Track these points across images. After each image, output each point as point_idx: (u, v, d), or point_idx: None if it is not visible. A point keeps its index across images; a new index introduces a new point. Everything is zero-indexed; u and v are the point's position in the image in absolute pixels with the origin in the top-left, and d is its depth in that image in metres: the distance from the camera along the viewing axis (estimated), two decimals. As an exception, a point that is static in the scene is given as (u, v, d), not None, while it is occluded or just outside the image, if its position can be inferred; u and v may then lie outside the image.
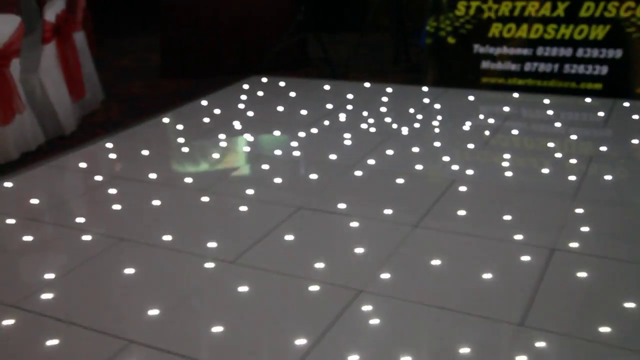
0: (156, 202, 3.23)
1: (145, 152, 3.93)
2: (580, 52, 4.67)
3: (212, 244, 2.79)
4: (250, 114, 4.63)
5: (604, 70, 4.62)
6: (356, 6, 7.41)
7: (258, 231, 2.88)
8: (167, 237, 2.86)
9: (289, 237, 2.83)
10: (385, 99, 4.86)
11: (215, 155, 3.89)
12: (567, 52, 4.71)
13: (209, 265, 2.63)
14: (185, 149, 3.98)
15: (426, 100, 4.75)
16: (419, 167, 3.55)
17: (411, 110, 4.53)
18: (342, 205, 3.11)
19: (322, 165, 3.66)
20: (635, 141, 3.81)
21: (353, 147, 3.91)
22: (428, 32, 5.12)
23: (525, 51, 4.84)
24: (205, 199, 3.25)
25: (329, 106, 4.71)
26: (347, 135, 4.09)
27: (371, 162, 3.65)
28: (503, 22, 4.86)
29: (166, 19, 5.75)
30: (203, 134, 4.25)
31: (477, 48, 4.98)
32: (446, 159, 3.65)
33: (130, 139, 4.20)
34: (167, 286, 2.50)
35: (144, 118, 4.61)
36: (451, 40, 5.05)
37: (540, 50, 4.79)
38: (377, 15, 6.20)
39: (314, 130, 4.23)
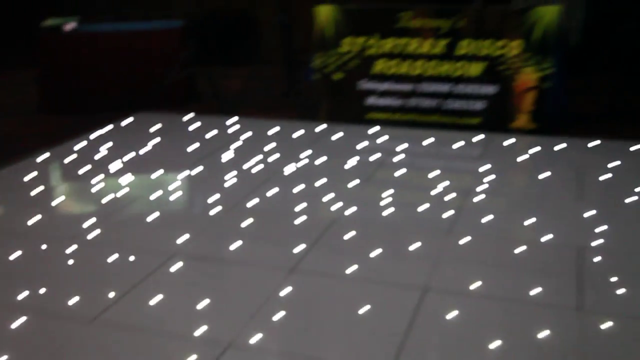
0: (15, 255, 3.00)
1: (10, 197, 3.68)
2: (459, 88, 4.83)
3: (74, 299, 2.60)
4: (132, 152, 4.46)
5: (481, 105, 4.80)
6: (247, 40, 7.40)
7: (125, 284, 2.72)
8: (22, 295, 2.65)
9: (159, 289, 2.69)
10: (273, 135, 4.82)
11: (89, 199, 3.69)
12: (446, 88, 4.86)
13: (69, 325, 2.45)
14: (55, 193, 3.76)
15: (313, 137, 4.75)
16: (300, 206, 3.51)
17: (297, 147, 4.51)
18: (218, 250, 3.01)
19: (201, 207, 3.55)
20: (509, 174, 3.95)
21: (235, 187, 3.82)
22: (315, 68, 5.15)
23: (408, 87, 4.95)
24: (71, 248, 3.06)
25: (215, 144, 4.62)
26: (229, 175, 4.01)
27: (251, 203, 3.58)
28: (387, 59, 4.96)
29: (46, 53, 5.49)
30: (78, 175, 4.04)
31: (363, 84, 5.05)
32: (328, 197, 3.63)
33: (-3, 183, 3.93)
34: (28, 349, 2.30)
35: (15, 159, 4.34)
36: (337, 76, 5.10)
37: (422, 87, 4.92)
38: (268, 50, 6.20)
39: (198, 170, 4.11)
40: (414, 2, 4.88)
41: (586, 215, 3.33)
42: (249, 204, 3.57)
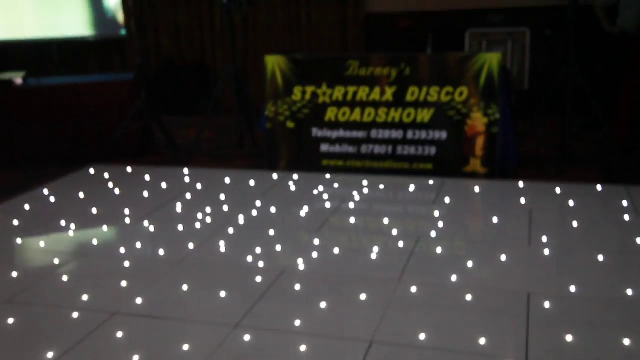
0: (-50, 318, 2.86)
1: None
2: (410, 134, 4.88)
3: (6, 365, 2.48)
4: (80, 206, 4.36)
5: (433, 151, 4.85)
6: (201, 90, 7.42)
7: (65, 344, 2.61)
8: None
9: (100, 349, 2.59)
10: (226, 185, 4.78)
11: (28, 257, 3.57)
12: (398, 134, 4.90)
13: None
14: (-2, 251, 3.63)
15: (266, 186, 4.73)
16: (248, 258, 3.45)
17: (250, 197, 4.47)
18: (162, 306, 2.92)
19: (146, 261, 3.46)
20: (461, 218, 3.96)
21: (183, 239, 3.75)
22: (267, 117, 5.16)
23: (360, 134, 4.99)
24: (9, 309, 2.94)
25: (167, 195, 4.56)
26: (180, 227, 3.94)
27: (199, 255, 3.51)
28: (338, 106, 5.00)
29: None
30: (20, 232, 3.92)
31: (316, 132, 5.07)
32: (278, 247, 3.58)
33: None
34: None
35: (-43, 217, 4.21)
36: (290, 124, 5.11)
37: (374, 133, 4.96)
38: (222, 98, 6.21)
39: (146, 223, 4.03)
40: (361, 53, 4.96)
41: (536, 260, 3.34)
42: (196, 257, 3.50)
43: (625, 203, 4.11)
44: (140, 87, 5.64)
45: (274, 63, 5.09)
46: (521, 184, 4.54)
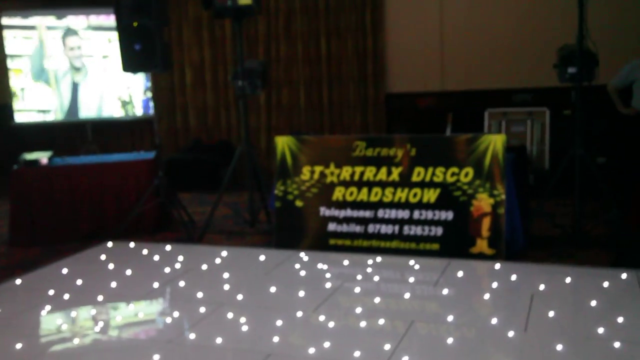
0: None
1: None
2: (416, 214, 4.88)
3: None
4: (89, 282, 4.46)
5: (439, 231, 4.83)
6: (216, 167, 7.65)
7: None
8: None
9: None
10: (232, 263, 4.83)
11: (33, 332, 3.65)
12: (404, 214, 4.92)
13: None
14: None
15: (272, 264, 4.76)
16: (239, 339, 3.45)
17: (255, 276, 4.50)
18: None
19: (136, 342, 3.49)
20: (462, 302, 3.89)
21: (178, 319, 3.78)
22: (277, 196, 5.25)
23: (367, 213, 5.02)
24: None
25: (174, 273, 4.63)
26: (176, 306, 3.98)
27: (191, 336, 3.53)
28: (345, 186, 5.06)
29: (16, 186, 5.65)
30: (27, 309, 4.02)
31: (324, 211, 5.13)
32: (271, 328, 3.57)
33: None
34: None
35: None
36: (299, 203, 5.19)
37: (380, 213, 4.98)
38: (236, 177, 6.38)
39: (145, 301, 4.09)
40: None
41: (533, 346, 3.25)
42: (190, 338, 3.51)
43: (634, 288, 3.98)
44: (158, 166, 5.85)
45: (284, 143, 5.23)
46: (529, 267, 4.46)
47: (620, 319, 3.52)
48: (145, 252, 5.19)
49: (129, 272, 4.71)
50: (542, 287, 4.08)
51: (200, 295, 4.16)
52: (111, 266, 4.85)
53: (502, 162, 4.66)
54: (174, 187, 6.05)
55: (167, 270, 4.70)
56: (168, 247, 5.28)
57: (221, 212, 6.45)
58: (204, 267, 4.77)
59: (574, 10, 4.94)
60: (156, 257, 5.04)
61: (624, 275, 4.21)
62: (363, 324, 3.62)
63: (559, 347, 3.23)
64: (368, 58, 7.93)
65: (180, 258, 4.98)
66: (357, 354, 3.23)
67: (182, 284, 4.40)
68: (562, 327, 3.47)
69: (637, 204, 5.36)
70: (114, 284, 4.44)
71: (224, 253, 5.07)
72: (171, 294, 4.23)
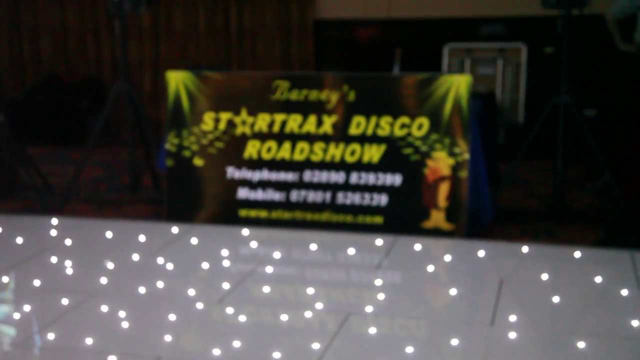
0: None
1: None
2: (354, 178, 4.99)
3: None
4: None
5: (384, 200, 4.95)
6: (92, 113, 7.50)
7: None
8: None
9: None
10: (107, 241, 4.81)
11: None
12: (339, 177, 5.01)
13: None
14: None
15: (161, 243, 4.76)
16: (111, 343, 3.46)
17: (137, 258, 4.50)
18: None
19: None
20: (412, 289, 4.03)
21: (27, 316, 3.75)
22: (168, 151, 5.22)
23: (290, 176, 5.08)
24: None
25: (22, 254, 4.56)
26: (25, 299, 3.94)
27: (50, 337, 3.52)
28: (261, 140, 5.10)
29: None
30: None
31: (232, 172, 5.15)
32: (161, 326, 3.60)
33: None
34: None
35: None
36: (198, 161, 5.19)
37: (307, 175, 5.05)
38: (110, 127, 6.29)
39: (-12, 290, 4.04)
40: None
41: (501, 343, 3.42)
42: (48, 339, 3.50)
43: (627, 273, 4.22)
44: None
45: (179, 81, 5.19)
46: (494, 246, 4.66)
47: (607, 313, 3.75)
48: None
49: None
50: (513, 271, 4.28)
51: (61, 283, 4.13)
52: None
53: (465, 111, 4.82)
54: (19, 139, 5.91)
55: (12, 251, 4.62)
56: (13, 221, 5.20)
57: (90, 173, 6.35)
58: (67, 245, 4.72)
59: None
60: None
61: (615, 258, 4.46)
62: (284, 318, 3.70)
63: (532, 344, 3.42)
64: (291, -30, 7.93)
65: (31, 235, 4.91)
66: (276, 355, 3.32)
67: (34, 269, 4.35)
68: (536, 321, 3.67)
69: (635, 169, 5.64)
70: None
71: (95, 228, 5.03)
72: (18, 282, 4.18)
